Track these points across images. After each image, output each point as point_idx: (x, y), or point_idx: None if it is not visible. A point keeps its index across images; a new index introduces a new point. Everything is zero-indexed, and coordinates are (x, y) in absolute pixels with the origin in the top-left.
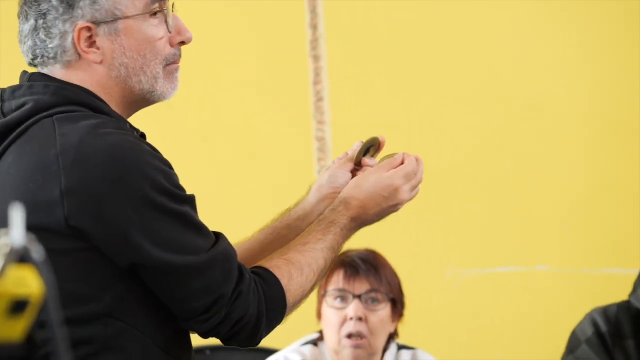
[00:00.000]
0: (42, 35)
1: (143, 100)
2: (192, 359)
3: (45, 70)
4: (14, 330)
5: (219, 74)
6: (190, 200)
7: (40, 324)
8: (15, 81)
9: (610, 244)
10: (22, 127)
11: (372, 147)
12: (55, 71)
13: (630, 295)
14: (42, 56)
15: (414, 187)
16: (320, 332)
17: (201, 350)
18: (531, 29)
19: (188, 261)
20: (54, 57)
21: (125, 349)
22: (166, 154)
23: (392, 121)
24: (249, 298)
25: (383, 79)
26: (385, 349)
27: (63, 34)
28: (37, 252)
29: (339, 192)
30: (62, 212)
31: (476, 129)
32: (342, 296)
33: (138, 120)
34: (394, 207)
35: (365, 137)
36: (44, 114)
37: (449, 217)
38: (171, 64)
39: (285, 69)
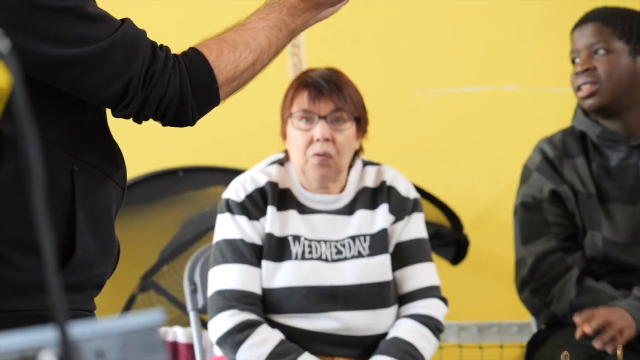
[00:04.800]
0: None
1: None
2: (107, 163)
3: None
4: None
5: None
6: None
7: (8, 115)
8: None
9: None
10: None
11: None
12: None
13: (572, 120)
14: None
15: None
16: (286, 152)
17: (174, 172)
18: None
19: (83, 52)
20: None
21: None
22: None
23: None
24: (166, 77)
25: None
26: (350, 166)
27: None
28: (3, 45)
29: None
30: None
31: None
32: (308, 117)
33: None
34: None
35: None
36: None
37: (418, 37)
38: None
39: None
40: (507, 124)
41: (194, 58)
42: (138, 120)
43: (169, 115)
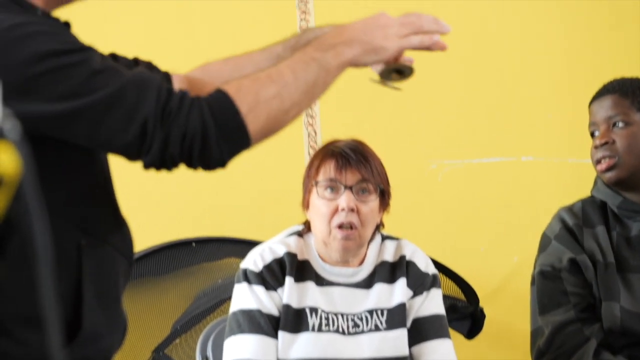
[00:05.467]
0: None
1: None
2: (114, 237)
3: None
4: None
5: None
6: (85, 49)
7: (17, 202)
8: None
9: None
10: None
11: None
12: None
13: (592, 190)
14: None
15: (411, 19)
16: (305, 224)
17: (187, 242)
18: None
19: (93, 100)
20: None
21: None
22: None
23: None
24: (184, 112)
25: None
26: (370, 240)
27: None
28: (13, 129)
29: None
30: None
31: (460, 23)
32: (333, 187)
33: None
34: (380, 22)
35: None
36: None
37: (432, 108)
38: None
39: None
40: (524, 195)
41: (214, 94)
42: (165, 163)
43: (195, 151)
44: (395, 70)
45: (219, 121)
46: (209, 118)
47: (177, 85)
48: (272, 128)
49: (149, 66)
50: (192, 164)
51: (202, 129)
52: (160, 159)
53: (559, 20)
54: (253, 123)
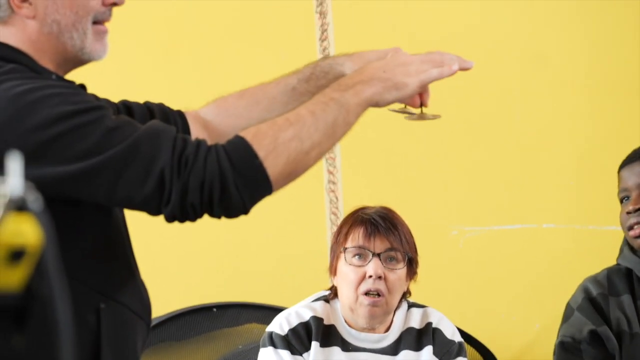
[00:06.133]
0: None
1: (76, 58)
2: (132, 299)
3: None
4: (11, 279)
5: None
6: (98, 107)
7: (39, 274)
8: None
9: (616, 200)
10: None
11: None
12: None
13: (618, 258)
14: None
15: (432, 57)
16: (331, 289)
17: (208, 308)
18: None
19: (108, 157)
20: None
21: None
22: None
23: None
24: (201, 159)
25: (387, 33)
26: (396, 307)
27: None
28: (35, 201)
29: None
30: None
31: (481, 87)
32: (361, 254)
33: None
34: (400, 60)
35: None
36: None
37: (456, 175)
38: (100, 23)
39: (292, 26)
40: (545, 262)
41: (231, 140)
42: (187, 214)
43: (215, 198)
44: (420, 117)
45: (237, 166)
46: (226, 164)
47: (191, 123)
48: (293, 171)
49: (162, 108)
50: (213, 213)
51: (220, 175)
52: (181, 210)
53: (582, 86)
54: (272, 166)
